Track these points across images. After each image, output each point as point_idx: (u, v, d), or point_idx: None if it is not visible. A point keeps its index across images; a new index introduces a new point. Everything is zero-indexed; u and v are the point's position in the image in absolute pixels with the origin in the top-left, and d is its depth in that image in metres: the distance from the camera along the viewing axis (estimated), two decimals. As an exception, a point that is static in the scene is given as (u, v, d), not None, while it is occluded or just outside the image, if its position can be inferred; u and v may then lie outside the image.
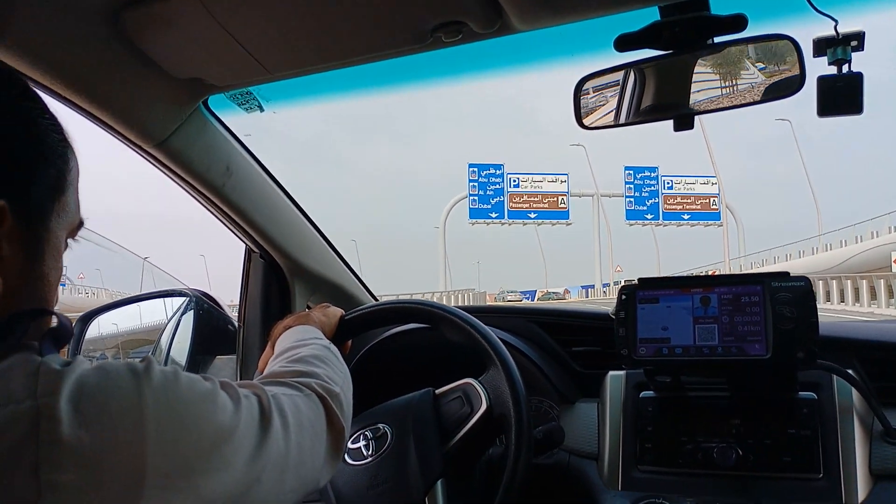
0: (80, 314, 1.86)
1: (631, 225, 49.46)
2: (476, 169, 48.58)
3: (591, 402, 1.54)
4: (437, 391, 1.29)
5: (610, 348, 1.44)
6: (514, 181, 48.01)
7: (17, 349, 0.62)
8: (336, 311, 1.32)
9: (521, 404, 1.17)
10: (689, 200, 49.06)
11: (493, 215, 47.86)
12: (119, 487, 0.59)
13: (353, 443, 1.28)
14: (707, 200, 48.96)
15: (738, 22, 1.07)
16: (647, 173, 48.83)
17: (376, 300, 2.07)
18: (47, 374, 0.60)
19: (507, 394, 1.18)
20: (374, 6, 1.07)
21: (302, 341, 1.10)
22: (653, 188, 48.40)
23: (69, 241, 0.78)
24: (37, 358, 0.62)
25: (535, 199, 48.30)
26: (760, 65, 1.17)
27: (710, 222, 49.25)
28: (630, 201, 48.25)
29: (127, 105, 1.25)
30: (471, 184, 48.46)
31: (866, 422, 1.30)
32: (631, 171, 48.12)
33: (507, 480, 1.13)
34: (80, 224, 0.78)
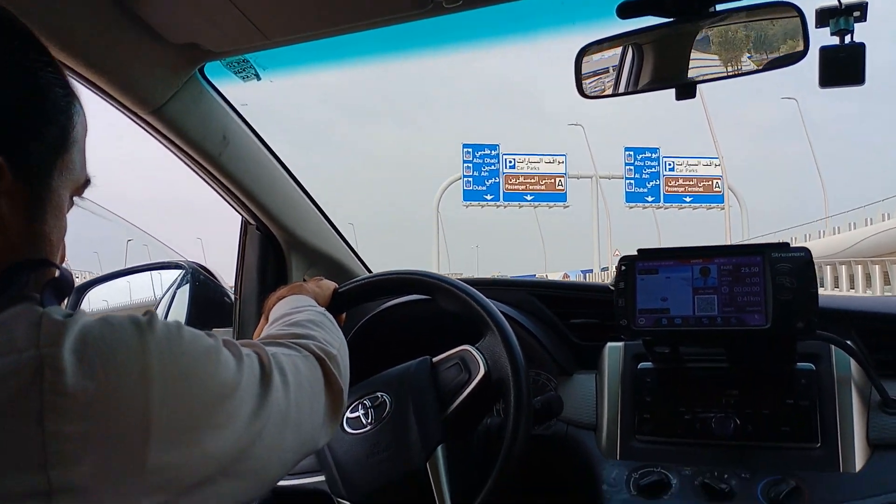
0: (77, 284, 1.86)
1: (631, 208, 46.20)
2: (470, 150, 45.90)
3: (589, 373, 1.55)
4: (434, 359, 1.29)
5: (608, 320, 1.44)
6: (510, 162, 45.71)
7: (19, 300, 0.61)
8: (329, 284, 1.32)
9: (520, 368, 1.17)
10: (691, 182, 46.05)
11: (489, 197, 45.47)
12: (125, 439, 0.58)
13: (351, 412, 1.28)
14: (710, 182, 46.04)
15: (743, -13, 1.06)
16: (648, 154, 45.83)
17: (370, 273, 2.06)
18: (50, 324, 0.59)
19: (505, 358, 1.18)
20: None
21: (297, 308, 1.10)
22: (654, 170, 45.16)
23: (75, 199, 0.76)
24: (38, 308, 0.61)
25: (532, 180, 45.51)
26: (763, 33, 1.16)
27: (712, 205, 46.17)
28: (630, 183, 45.04)
29: (123, 70, 1.23)
30: (465, 165, 45.12)
31: (864, 392, 1.31)
32: (631, 152, 45.05)
33: (506, 448, 1.14)
34: (87, 182, 0.77)
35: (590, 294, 1.67)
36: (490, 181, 44.42)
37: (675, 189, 45.61)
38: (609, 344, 1.52)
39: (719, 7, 1.13)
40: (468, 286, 1.27)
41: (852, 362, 1.31)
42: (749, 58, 1.17)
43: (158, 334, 0.63)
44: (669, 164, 45.65)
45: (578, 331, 1.65)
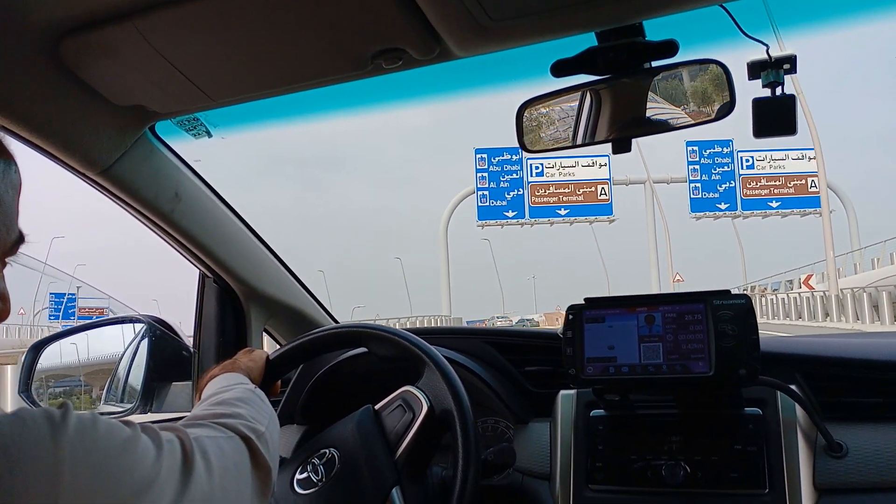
0: (33, 342, 1.84)
1: (698, 218, 36.55)
2: (485, 155, 36.07)
3: (545, 421, 1.55)
4: (376, 406, 1.30)
5: (562, 367, 1.45)
6: (537, 168, 36.12)
7: None
8: (261, 354, 1.32)
9: (461, 398, 1.19)
10: (777, 182, 35.98)
11: (510, 214, 36.03)
12: None
13: (300, 473, 1.27)
14: (803, 182, 35.80)
15: (670, 47, 1.10)
16: (718, 149, 35.89)
17: (336, 323, 2.07)
18: None
19: (446, 391, 1.20)
20: (314, 34, 1.09)
21: (226, 387, 1.10)
22: (726, 168, 35.72)
23: (8, 260, 0.75)
24: None
25: (566, 190, 35.99)
26: (693, 88, 1.19)
27: (807, 210, 35.83)
28: (696, 187, 35.83)
29: (68, 133, 1.24)
30: (479, 175, 36.19)
31: (810, 436, 1.32)
32: (695, 148, 35.37)
33: (458, 492, 1.14)
34: (19, 240, 0.76)
35: (543, 341, 1.68)
36: (512, 193, 35.94)
37: (757, 192, 36.12)
38: (562, 392, 1.52)
39: (652, 64, 1.17)
40: (397, 329, 1.30)
41: (797, 406, 1.33)
42: (682, 112, 1.21)
43: (71, 430, 0.63)
44: (747, 161, 36.14)
45: (533, 378, 1.66)
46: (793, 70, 1.19)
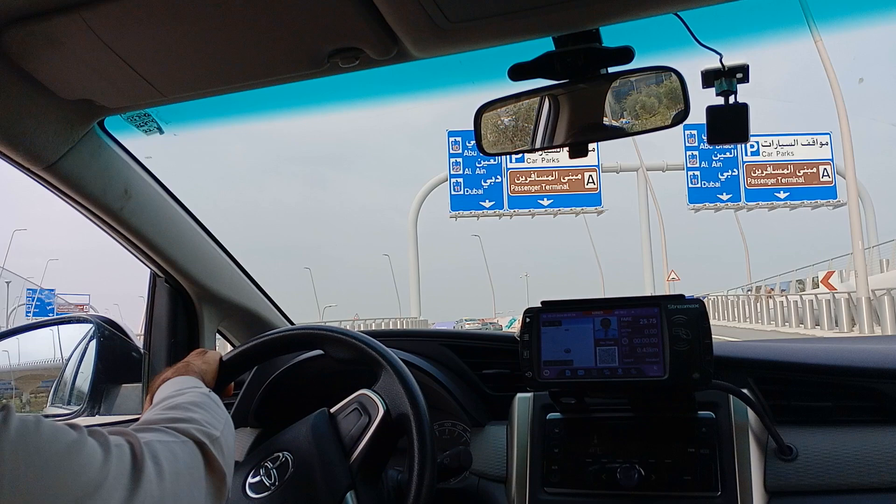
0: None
1: (696, 211, 32.42)
2: (459, 138, 31.38)
3: (502, 424, 1.55)
4: (331, 410, 1.28)
5: (519, 370, 1.45)
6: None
7: None
8: (214, 355, 1.30)
9: (418, 401, 1.18)
10: (785, 171, 31.56)
11: (487, 204, 31.94)
12: None
13: (252, 477, 1.24)
14: (814, 170, 31.46)
15: (626, 53, 1.10)
16: None
17: (291, 324, 2.04)
18: None
19: (403, 394, 1.19)
20: (269, 31, 1.06)
21: (179, 390, 1.08)
22: (729, 155, 31.64)
23: None
24: None
25: (549, 178, 31.97)
26: (650, 95, 1.20)
27: (820, 201, 31.53)
28: (694, 176, 31.59)
29: (12, 126, 1.20)
30: (452, 160, 31.74)
31: (761, 440, 1.34)
32: (694, 132, 30.82)
33: (414, 493, 1.13)
34: None
35: (501, 344, 1.68)
36: (489, 181, 31.90)
37: (762, 181, 31.71)
38: (519, 395, 1.52)
39: (608, 70, 1.17)
40: (354, 331, 1.28)
41: (749, 410, 1.35)
42: (638, 118, 1.21)
43: (12, 432, 0.61)
44: (752, 146, 31.94)
45: (491, 381, 1.66)
46: (745, 79, 1.21)
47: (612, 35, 1.14)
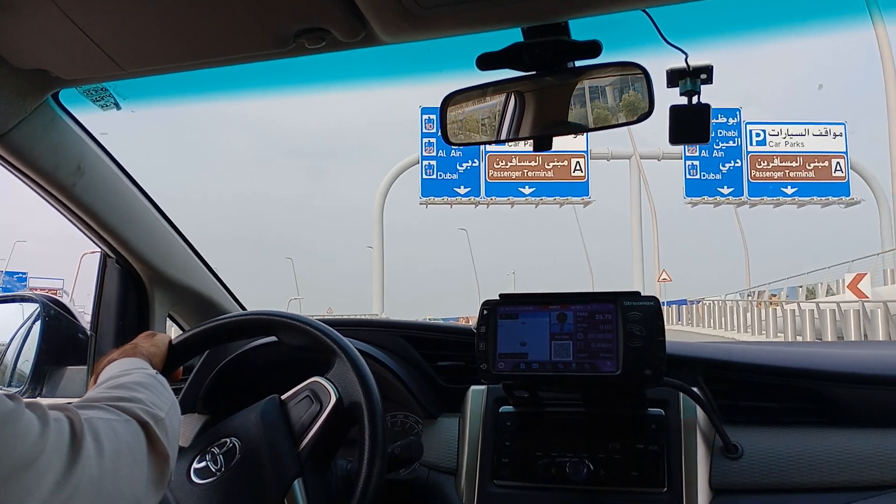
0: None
1: (694, 205, 29.06)
2: (433, 116, 26.46)
3: (454, 416, 1.55)
4: (282, 396, 1.26)
5: (474, 363, 1.45)
6: None
7: None
8: (163, 338, 1.28)
9: (371, 390, 1.17)
10: (793, 163, 28.21)
11: (463, 190, 28.26)
12: None
13: (198, 462, 1.22)
14: (825, 164, 28.09)
15: (594, 47, 1.11)
16: (722, 119, 28.18)
17: (244, 311, 2.01)
18: None
19: (356, 383, 1.18)
20: (234, 6, 1.04)
21: (125, 370, 1.06)
22: (732, 144, 28.28)
23: None
24: None
25: (532, 163, 28.60)
26: (617, 90, 1.21)
27: (830, 199, 28.25)
28: (693, 166, 28.34)
29: None
30: (425, 141, 28.05)
31: (708, 438, 1.36)
32: None
33: (362, 485, 1.13)
34: None
35: (457, 336, 1.67)
36: (465, 165, 28.35)
37: (768, 174, 28.30)
38: (472, 387, 1.52)
39: (576, 64, 1.18)
40: (309, 318, 1.27)
41: (698, 408, 1.37)
42: (604, 112, 1.22)
43: None
44: (757, 135, 28.35)
45: (445, 373, 1.65)
46: (709, 80, 1.23)
47: (583, 31, 1.15)
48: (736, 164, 28.46)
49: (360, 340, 1.53)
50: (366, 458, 1.14)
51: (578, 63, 1.17)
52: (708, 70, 1.22)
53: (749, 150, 28.41)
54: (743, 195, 28.56)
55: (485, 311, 1.40)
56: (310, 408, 1.22)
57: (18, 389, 1.73)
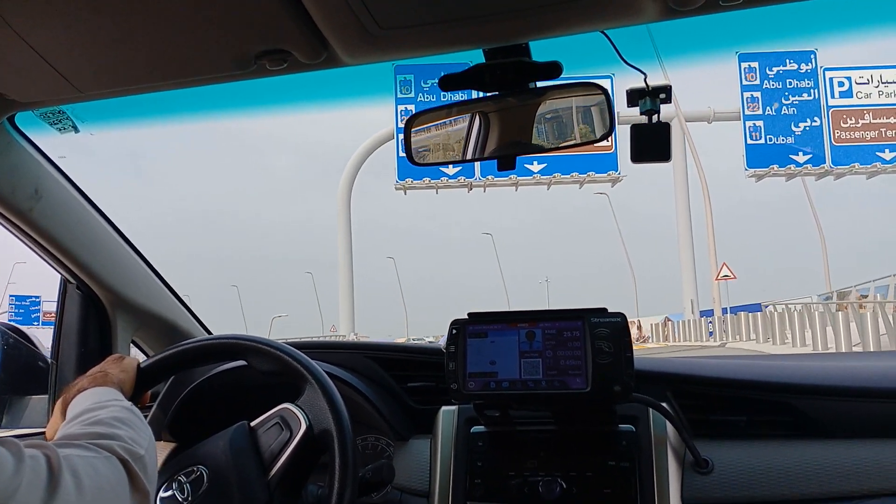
0: None
1: (758, 178, 23.00)
2: (412, 77, 22.74)
3: (426, 438, 1.53)
4: (252, 423, 1.24)
5: (444, 383, 1.44)
6: None
7: None
8: (132, 362, 1.25)
9: (342, 418, 1.16)
10: (891, 120, 21.95)
11: (452, 170, 22.96)
12: None
13: (164, 491, 1.20)
14: None
15: (554, 68, 1.12)
16: (793, 65, 22.06)
17: (210, 335, 1.98)
18: None
19: (327, 410, 1.17)
20: (193, 28, 1.03)
21: (99, 403, 1.04)
22: (806, 97, 22.22)
23: None
24: None
25: None
26: (578, 110, 1.22)
27: None
28: (755, 127, 22.22)
29: None
30: (401, 108, 22.84)
31: (679, 453, 1.36)
32: (754, 64, 21.94)
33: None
34: None
35: (426, 357, 1.66)
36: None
37: (858, 135, 22.10)
38: (443, 408, 1.51)
39: (536, 84, 1.19)
40: (280, 343, 1.25)
41: (668, 424, 1.37)
42: (566, 133, 1.23)
43: None
44: (840, 84, 22.34)
45: (416, 394, 1.64)
46: (667, 100, 1.24)
47: (544, 52, 1.15)
48: (813, 123, 22.38)
49: (329, 363, 1.51)
50: (336, 484, 1.12)
51: (540, 83, 1.18)
52: (667, 90, 1.24)
53: (830, 104, 22.39)
54: (825, 163, 22.12)
55: (454, 331, 1.39)
56: (279, 435, 1.20)
57: (-24, 421, 1.69)
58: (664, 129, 1.22)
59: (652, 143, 1.22)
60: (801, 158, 22.33)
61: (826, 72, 22.72)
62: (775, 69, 22.46)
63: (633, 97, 1.22)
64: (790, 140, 22.34)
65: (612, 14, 1.01)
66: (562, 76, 1.14)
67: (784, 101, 22.51)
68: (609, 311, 1.34)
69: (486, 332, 1.38)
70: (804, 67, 22.63)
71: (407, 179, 23.57)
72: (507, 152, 1.21)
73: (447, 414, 1.50)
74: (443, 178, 23.75)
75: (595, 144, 1.27)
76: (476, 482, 1.40)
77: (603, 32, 1.08)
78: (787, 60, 22.53)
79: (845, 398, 1.42)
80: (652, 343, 26.47)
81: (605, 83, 1.24)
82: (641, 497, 1.32)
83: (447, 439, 1.46)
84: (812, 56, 22.59)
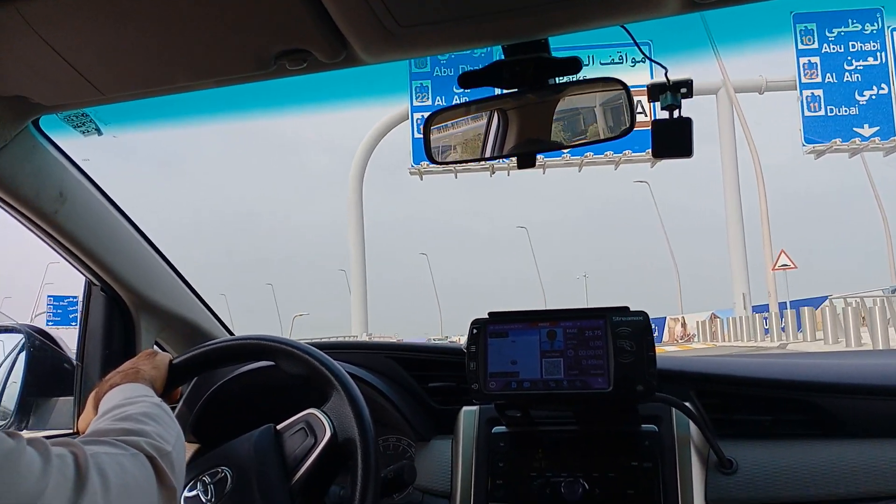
0: None
1: (818, 155, 20.73)
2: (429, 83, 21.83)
3: (447, 439, 1.53)
4: (277, 426, 1.25)
5: (465, 383, 1.44)
6: None
7: None
8: (164, 358, 1.26)
9: (367, 427, 1.15)
10: None
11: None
12: None
13: (189, 490, 1.20)
14: None
15: (574, 64, 1.12)
16: (855, 26, 19.96)
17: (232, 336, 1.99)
18: None
19: (352, 419, 1.16)
20: (214, 29, 1.04)
21: (130, 399, 1.05)
22: (872, 61, 19.94)
23: None
24: None
25: None
26: (599, 106, 1.21)
27: None
28: (812, 99, 20.17)
29: None
30: (416, 85, 21.95)
31: (703, 453, 1.35)
32: (811, 26, 20.03)
33: None
34: None
35: (447, 356, 1.66)
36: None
37: None
38: (464, 408, 1.51)
39: (556, 80, 1.18)
40: (310, 347, 1.25)
41: (691, 423, 1.36)
42: (586, 129, 1.22)
43: None
44: None
45: (437, 395, 1.64)
46: (689, 94, 1.23)
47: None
48: (881, 91, 19.91)
49: (350, 363, 1.51)
50: (358, 492, 1.12)
51: (559, 79, 1.17)
52: (688, 84, 1.22)
53: (901, 65, 19.18)
54: (895, 135, 19.59)
55: (474, 330, 1.39)
56: (304, 441, 1.20)
57: (4, 423, 1.70)
58: (686, 124, 1.21)
59: (674, 139, 1.21)
60: (866, 131, 20.01)
61: (894, 32, 20.42)
62: (836, 31, 20.21)
63: (654, 92, 1.21)
64: (854, 111, 20.16)
65: (632, 8, 1.00)
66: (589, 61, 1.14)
67: (846, 67, 20.29)
68: (631, 309, 1.33)
69: (506, 332, 1.37)
70: (869, 28, 20.33)
71: (422, 163, 22.06)
72: (527, 150, 1.21)
73: (468, 414, 1.49)
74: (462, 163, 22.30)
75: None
76: (498, 483, 1.39)
77: (623, 27, 1.07)
78: (850, 21, 20.21)
79: (871, 397, 1.39)
80: (698, 342, 23.31)
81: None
82: (665, 498, 1.30)
83: (468, 440, 1.46)
84: (878, 15, 20.30)
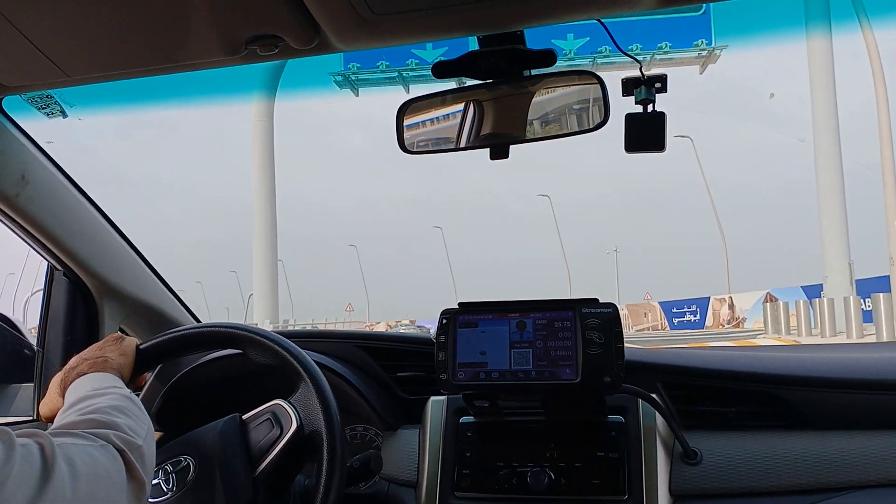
0: None
1: None
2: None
3: (415, 428, 1.53)
4: (243, 416, 1.23)
5: (433, 373, 1.44)
6: None
7: None
8: (131, 343, 1.24)
9: (333, 420, 1.15)
10: None
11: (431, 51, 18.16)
12: None
13: None
14: None
15: (549, 56, 1.11)
16: None
17: (199, 323, 1.96)
18: None
19: (319, 410, 1.16)
20: (184, 12, 1.02)
21: (98, 390, 1.03)
22: None
23: None
24: None
25: None
26: (573, 99, 1.21)
27: None
28: None
29: None
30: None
31: (668, 444, 1.37)
32: None
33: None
34: None
35: (416, 346, 1.66)
36: None
37: None
38: (432, 398, 1.51)
39: (531, 72, 1.18)
40: (279, 336, 1.24)
41: (657, 414, 1.37)
42: (560, 121, 1.22)
43: None
44: None
45: (405, 384, 1.63)
46: (663, 89, 1.24)
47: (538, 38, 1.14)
48: None
49: (318, 352, 1.50)
50: (323, 482, 1.12)
51: (534, 71, 1.17)
52: (662, 79, 1.23)
53: None
54: None
55: (444, 320, 1.39)
56: (270, 432, 1.19)
57: (-40, 409, 1.67)
58: (660, 118, 1.22)
59: (647, 133, 1.22)
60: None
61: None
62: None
63: (628, 86, 1.21)
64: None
65: (606, 2, 1.00)
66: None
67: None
68: (600, 301, 1.34)
69: (476, 322, 1.37)
70: None
71: (352, 64, 17.61)
72: (501, 140, 1.21)
73: (436, 404, 1.49)
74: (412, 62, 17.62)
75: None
76: (464, 473, 1.40)
77: (599, 21, 1.07)
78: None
79: (834, 390, 1.42)
80: (768, 335, 17.09)
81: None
82: (630, 488, 1.32)
83: (436, 429, 1.46)
84: None
